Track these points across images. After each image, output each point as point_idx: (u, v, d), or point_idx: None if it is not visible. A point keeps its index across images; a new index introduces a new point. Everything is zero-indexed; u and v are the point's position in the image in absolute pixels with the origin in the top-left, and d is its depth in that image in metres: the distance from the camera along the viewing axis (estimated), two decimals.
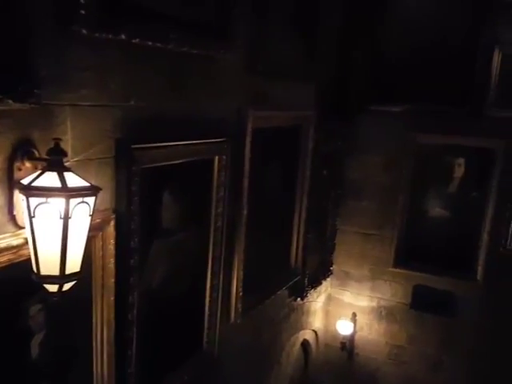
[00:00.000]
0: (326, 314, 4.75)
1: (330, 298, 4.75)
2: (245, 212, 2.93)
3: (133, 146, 1.93)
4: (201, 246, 2.67)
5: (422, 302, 4.41)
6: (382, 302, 4.57)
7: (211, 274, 2.75)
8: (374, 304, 4.60)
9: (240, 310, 3.05)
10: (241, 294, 3.03)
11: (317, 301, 4.48)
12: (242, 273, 3.01)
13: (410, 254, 4.40)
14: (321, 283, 4.39)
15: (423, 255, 4.34)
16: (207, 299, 2.77)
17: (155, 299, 2.34)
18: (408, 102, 4.06)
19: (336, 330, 4.58)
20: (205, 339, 2.77)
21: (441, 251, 4.31)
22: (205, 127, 2.36)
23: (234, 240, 2.91)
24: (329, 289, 4.70)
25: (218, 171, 2.60)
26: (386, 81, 4.09)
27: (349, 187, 4.49)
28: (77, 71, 1.69)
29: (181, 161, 2.29)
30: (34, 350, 1.71)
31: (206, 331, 2.77)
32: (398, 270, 4.46)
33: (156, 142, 2.06)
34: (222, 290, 2.85)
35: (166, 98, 2.15)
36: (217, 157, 2.56)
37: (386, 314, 4.57)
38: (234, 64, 2.58)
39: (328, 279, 4.60)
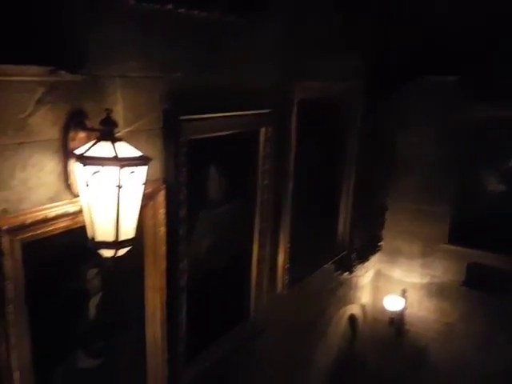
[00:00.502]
0: (375, 289, 4.73)
1: (378, 274, 4.72)
2: (291, 185, 2.96)
3: (180, 118, 1.99)
4: (247, 218, 2.72)
5: (476, 280, 4.29)
6: (434, 279, 4.48)
7: (258, 246, 2.81)
8: (425, 281, 4.52)
9: (286, 281, 3.10)
10: (287, 266, 3.07)
11: (365, 276, 4.47)
12: (288, 245, 3.05)
13: (464, 230, 4.26)
14: (368, 259, 4.37)
15: (478, 232, 4.19)
16: (254, 270, 2.83)
17: (203, 268, 2.43)
18: (463, 71, 3.89)
19: (384, 306, 4.57)
20: (251, 309, 2.85)
21: (497, 228, 4.16)
22: (250, 99, 2.38)
23: (280, 213, 2.95)
24: (377, 264, 4.67)
25: (264, 143, 2.62)
26: (439, 47, 3.92)
27: (399, 161, 4.40)
28: (125, 42, 1.74)
29: (227, 132, 2.33)
30: (92, 311, 1.83)
31: (252, 301, 2.85)
32: (451, 247, 4.34)
33: (202, 114, 2.11)
34: (268, 261, 2.91)
35: (211, 69, 2.18)
36: (263, 128, 2.58)
37: (436, 291, 4.49)
38: (278, 35, 2.57)
39: (376, 255, 4.57)
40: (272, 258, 2.97)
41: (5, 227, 1.42)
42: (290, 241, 3.06)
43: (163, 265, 2.10)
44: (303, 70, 2.81)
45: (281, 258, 3.04)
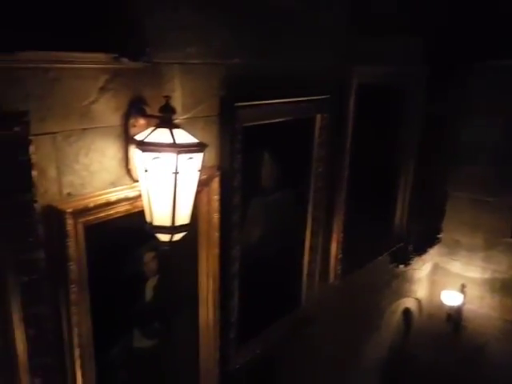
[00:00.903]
0: (432, 283, 4.62)
1: (436, 267, 4.60)
2: (346, 173, 2.93)
3: (236, 104, 2.02)
4: (300, 206, 2.73)
5: None
6: (496, 274, 4.32)
7: (310, 235, 2.81)
8: (487, 276, 4.36)
9: (339, 272, 3.09)
10: (340, 256, 3.06)
11: (421, 269, 4.37)
12: (341, 235, 3.03)
13: None
14: (426, 251, 4.27)
15: None
16: (306, 259, 2.85)
17: (255, 255, 2.45)
18: None
19: (441, 301, 4.46)
20: (302, 298, 2.87)
21: None
22: (306, 85, 2.36)
23: (334, 201, 2.93)
24: (435, 257, 4.55)
25: (320, 130, 2.60)
26: (506, 31, 3.71)
27: (461, 150, 4.24)
28: (184, 29, 1.78)
29: (282, 119, 2.34)
30: (149, 292, 1.92)
31: (303, 290, 2.87)
32: None
33: (258, 100, 2.12)
34: (321, 250, 2.91)
35: (268, 55, 2.18)
36: (318, 115, 2.57)
37: (500, 286, 4.33)
38: (335, 19, 2.53)
39: (435, 247, 4.45)
40: (324, 248, 2.96)
41: (69, 210, 1.50)
42: (344, 230, 3.04)
43: (216, 251, 2.15)
44: (362, 54, 2.74)
45: (333, 247, 3.03)
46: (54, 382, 1.57)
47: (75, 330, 1.62)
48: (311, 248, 2.84)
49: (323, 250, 2.95)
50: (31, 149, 1.33)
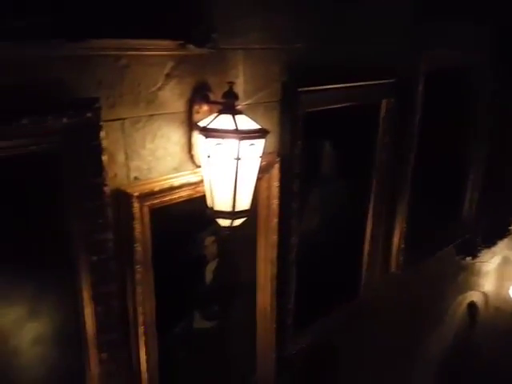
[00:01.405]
0: (500, 276, 4.45)
1: (505, 261, 4.42)
2: (412, 160, 2.87)
3: (298, 89, 2.03)
4: (361, 195, 2.71)
5: None
6: None
7: (372, 224, 2.80)
8: None
9: (401, 262, 3.05)
10: (402, 246, 3.02)
11: (490, 262, 4.23)
12: (404, 225, 2.99)
13: None
14: (495, 243, 4.11)
15: None
16: (366, 248, 2.84)
17: (314, 243, 2.47)
18: None
19: (509, 295, 4.31)
20: (362, 287, 2.87)
21: None
22: (372, 69, 2.33)
23: (397, 190, 2.89)
24: (505, 250, 4.38)
25: (385, 116, 2.56)
26: None
27: None
28: (247, 15, 1.80)
29: (345, 105, 2.33)
30: (208, 275, 1.99)
31: (363, 280, 2.86)
32: None
33: (320, 85, 2.12)
34: (382, 240, 2.89)
35: (332, 39, 2.17)
36: (384, 100, 2.53)
37: None
38: (402, 2, 2.46)
39: (505, 239, 4.29)
40: (386, 238, 2.93)
41: (136, 194, 1.59)
42: (407, 220, 2.99)
43: (274, 237, 2.18)
44: (430, 38, 2.66)
45: (396, 237, 2.99)
46: (120, 358, 1.68)
47: (140, 309, 1.71)
48: (372, 237, 2.82)
49: (385, 240, 2.92)
50: (102, 134, 1.42)
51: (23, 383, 1.48)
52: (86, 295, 1.55)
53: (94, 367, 1.62)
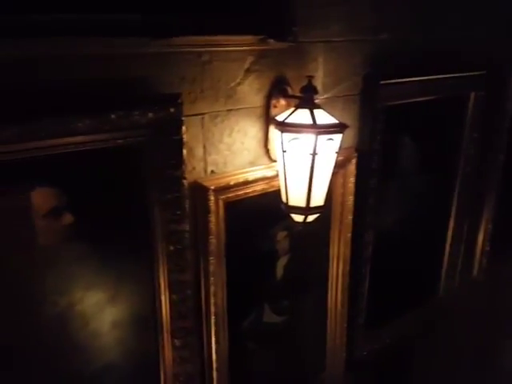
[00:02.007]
0: None
1: None
2: (501, 157, 2.76)
3: (380, 82, 2.02)
4: (444, 192, 2.66)
5: None
6: None
7: (454, 223, 2.74)
8: None
9: (484, 265, 2.96)
10: (487, 248, 2.93)
11: None
12: (490, 226, 2.89)
13: None
14: None
15: None
16: (447, 249, 2.78)
17: (389, 241, 2.46)
18: None
19: None
20: (440, 289, 2.82)
21: None
22: (460, 60, 2.27)
23: (484, 188, 2.80)
24: None
25: (473, 110, 2.48)
26: None
27: None
28: (329, 7, 1.81)
29: (429, 98, 2.28)
30: (279, 270, 2.05)
31: (442, 281, 2.82)
32: None
33: (403, 78, 2.10)
34: (465, 241, 2.81)
35: (416, 28, 2.13)
36: (473, 93, 2.45)
37: None
38: None
39: None
40: (469, 238, 2.86)
41: (212, 187, 1.67)
42: (494, 221, 2.90)
43: (349, 234, 2.20)
44: None
45: (480, 239, 2.91)
46: (192, 345, 1.77)
47: (212, 299, 1.80)
48: (454, 237, 2.76)
49: (468, 241, 2.85)
50: (183, 129, 1.51)
51: (103, 363, 1.62)
52: (163, 283, 1.65)
53: (167, 352, 1.74)
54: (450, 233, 2.75)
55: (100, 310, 1.55)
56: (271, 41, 1.61)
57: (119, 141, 1.41)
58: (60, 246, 1.41)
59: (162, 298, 1.67)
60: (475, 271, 2.98)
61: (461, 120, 2.51)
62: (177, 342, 1.74)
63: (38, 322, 1.41)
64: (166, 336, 1.72)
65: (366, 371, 2.58)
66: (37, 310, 1.40)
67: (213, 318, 1.83)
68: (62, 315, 1.46)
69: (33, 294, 1.39)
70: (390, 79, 2.04)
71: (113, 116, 1.36)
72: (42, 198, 1.33)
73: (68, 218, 1.38)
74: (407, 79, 2.11)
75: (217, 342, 1.86)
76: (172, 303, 1.69)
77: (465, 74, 2.33)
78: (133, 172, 1.49)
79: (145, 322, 1.67)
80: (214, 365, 1.88)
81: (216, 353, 1.87)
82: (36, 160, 1.29)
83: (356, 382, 2.54)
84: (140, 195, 1.53)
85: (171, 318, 1.70)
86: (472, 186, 2.70)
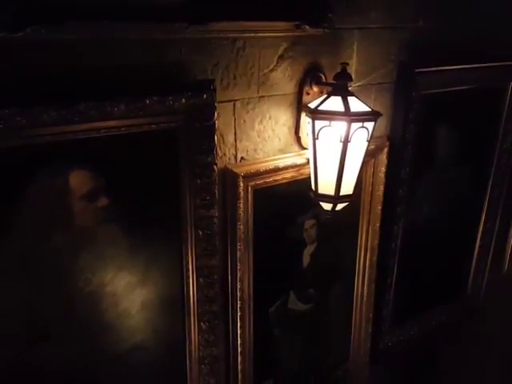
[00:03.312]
0: None
1: None
2: None
3: (416, 70, 2.01)
4: (477, 185, 2.64)
5: None
6: None
7: (485, 217, 2.72)
8: None
9: None
10: None
11: None
12: None
13: None
14: None
15: None
16: (477, 243, 2.77)
17: (419, 234, 2.46)
18: None
19: None
20: (469, 284, 2.82)
21: None
22: (497, 50, 2.24)
23: None
24: None
25: (511, 100, 2.46)
26: None
27: None
28: None
29: (466, 87, 2.27)
30: (306, 259, 2.08)
31: (471, 276, 2.81)
32: None
33: (439, 66, 2.09)
34: (496, 236, 2.80)
35: (452, 17, 2.11)
36: (511, 83, 2.42)
37: None
38: None
39: None
40: (501, 233, 2.83)
41: (242, 174, 1.70)
42: None
43: (377, 225, 2.22)
44: None
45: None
46: (217, 329, 1.83)
47: (238, 285, 1.84)
48: (484, 231, 2.75)
49: (499, 236, 2.83)
50: (215, 115, 1.54)
51: (130, 343, 1.69)
52: (191, 267, 1.70)
53: (193, 335, 1.79)
54: (481, 227, 2.73)
55: (130, 291, 1.61)
56: (306, 27, 1.63)
57: (153, 126, 1.46)
58: (95, 227, 1.46)
59: (190, 281, 1.72)
60: (505, 267, 2.96)
61: (497, 111, 2.48)
62: (203, 326, 1.79)
63: (72, 298, 1.48)
64: (193, 319, 1.77)
65: (391, 363, 2.61)
66: (71, 287, 1.47)
67: (239, 302, 1.87)
68: (93, 294, 1.52)
69: (68, 272, 1.46)
70: (426, 67, 2.03)
71: (147, 101, 1.40)
72: (79, 181, 1.39)
73: (103, 201, 1.44)
74: (443, 68, 2.10)
75: (242, 327, 1.91)
76: (199, 287, 1.74)
77: (503, 64, 2.30)
78: (165, 157, 1.53)
79: (172, 305, 1.73)
80: (239, 349, 1.93)
81: (241, 337, 1.92)
82: (73, 143, 1.34)
83: (380, 374, 2.57)
84: (171, 180, 1.57)
85: (198, 301, 1.76)
86: (506, 180, 2.67)
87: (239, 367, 1.96)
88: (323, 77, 1.81)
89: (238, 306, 1.88)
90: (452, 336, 2.84)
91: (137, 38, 1.37)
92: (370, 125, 1.67)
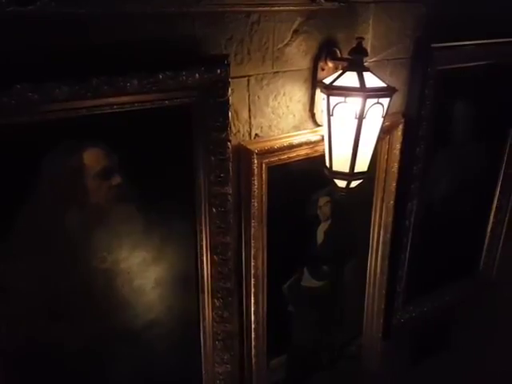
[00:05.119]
0: None
1: None
2: None
3: (432, 45, 1.95)
4: (492, 162, 2.58)
5: None
6: None
7: (500, 194, 2.67)
8: None
9: None
10: None
11: None
12: None
13: None
14: None
15: None
16: (491, 220, 2.73)
17: (433, 211, 2.43)
18: None
19: None
20: (482, 261, 2.78)
21: None
22: None
23: None
24: None
25: None
26: None
27: None
28: None
29: (481, 63, 2.19)
30: (320, 236, 2.05)
31: (484, 253, 2.77)
32: None
33: (456, 41, 2.01)
34: (510, 212, 2.75)
35: None
36: None
37: None
38: None
39: None
40: None
41: (256, 150, 1.66)
42: None
43: (391, 202, 2.18)
44: None
45: None
46: (231, 305, 1.81)
47: (252, 262, 1.82)
48: (498, 208, 2.70)
49: None
50: (229, 91, 1.49)
51: (146, 319, 1.68)
52: (205, 244, 1.68)
53: (207, 312, 1.78)
54: (494, 204, 2.69)
55: (145, 268, 1.60)
56: (322, 1, 1.57)
57: (166, 102, 1.42)
58: (109, 205, 1.44)
59: (204, 258, 1.71)
60: None
61: None
62: (217, 302, 1.78)
63: (88, 275, 1.47)
64: (207, 296, 1.76)
65: (404, 338, 2.59)
66: (86, 264, 1.46)
67: (252, 280, 1.86)
68: (109, 271, 1.51)
69: (83, 250, 1.44)
70: (443, 43, 1.97)
71: (160, 76, 1.36)
72: (92, 158, 1.36)
73: (117, 179, 1.41)
74: (460, 43, 2.03)
75: (255, 304, 1.90)
76: (213, 264, 1.72)
77: None
78: (179, 133, 1.50)
79: (187, 282, 1.72)
80: (253, 325, 1.92)
81: (254, 314, 1.90)
82: (86, 120, 1.31)
83: (393, 349, 2.55)
84: (185, 157, 1.54)
85: (212, 278, 1.74)
86: None
87: (253, 343, 1.95)
88: (338, 52, 1.76)
89: (252, 282, 1.87)
90: (465, 312, 2.81)
91: (149, 12, 1.32)
92: (385, 101, 1.62)
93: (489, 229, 2.74)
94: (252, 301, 1.89)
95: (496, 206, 2.70)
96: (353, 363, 2.41)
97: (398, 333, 2.49)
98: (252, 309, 1.90)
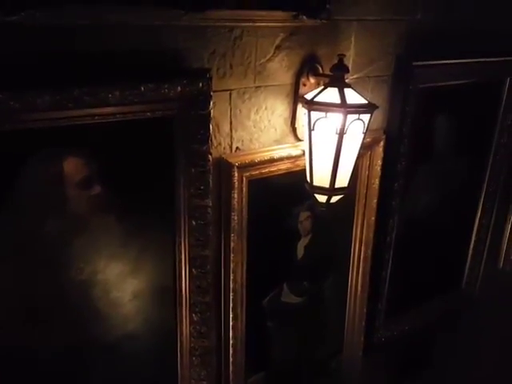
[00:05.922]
0: None
1: None
2: None
3: (413, 63, 2.03)
4: (473, 180, 2.67)
5: None
6: None
7: (481, 211, 2.75)
8: None
9: (511, 256, 2.98)
10: None
11: None
12: None
13: None
14: None
15: None
16: (473, 238, 2.80)
17: (414, 227, 2.49)
18: None
19: None
20: (464, 279, 2.86)
21: None
22: (495, 44, 2.26)
23: None
24: None
25: (508, 95, 2.48)
26: None
27: None
28: None
29: (462, 81, 2.29)
30: (300, 251, 2.10)
31: (466, 271, 2.85)
32: None
33: (437, 60, 2.10)
34: (492, 230, 2.83)
35: (451, 11, 2.13)
36: (508, 78, 2.44)
37: None
38: None
39: None
40: (497, 228, 2.87)
41: (237, 164, 1.71)
42: None
43: (372, 218, 2.23)
44: None
45: (508, 229, 2.92)
46: (209, 320, 1.84)
47: (231, 276, 1.85)
48: (480, 226, 2.78)
49: (495, 230, 2.86)
50: (210, 104, 1.55)
51: (121, 332, 1.70)
52: (183, 257, 1.71)
53: (185, 326, 1.80)
54: (477, 221, 2.77)
55: (122, 280, 1.62)
56: (304, 18, 1.64)
57: (148, 113, 1.47)
58: (88, 215, 1.48)
59: (183, 271, 1.73)
60: (501, 263, 2.99)
61: (494, 106, 2.51)
62: (195, 317, 1.80)
63: (64, 287, 1.50)
64: (185, 310, 1.78)
65: (384, 356, 2.63)
66: (63, 275, 1.49)
67: (231, 294, 1.89)
68: (85, 282, 1.54)
69: (61, 260, 1.47)
70: (424, 61, 2.05)
71: (142, 88, 1.40)
72: (73, 168, 1.39)
73: (96, 189, 1.45)
74: (441, 62, 2.11)
75: (234, 319, 1.92)
76: (192, 277, 1.75)
77: (501, 59, 2.32)
78: (159, 145, 1.54)
79: (165, 295, 1.74)
80: (231, 341, 1.94)
81: (233, 329, 1.93)
82: (67, 130, 1.35)
83: (374, 367, 2.59)
84: (165, 169, 1.59)
85: (190, 292, 1.77)
86: (503, 174, 2.70)
87: (231, 359, 1.97)
88: (320, 68, 1.82)
89: (231, 297, 1.89)
90: (446, 330, 2.87)
91: (133, 24, 1.38)
92: (366, 117, 1.69)
93: (471, 246, 2.82)
94: (231, 316, 1.91)
95: (478, 225, 2.79)
96: (333, 380, 2.45)
97: (379, 351, 2.54)
98: (230, 324, 1.92)
